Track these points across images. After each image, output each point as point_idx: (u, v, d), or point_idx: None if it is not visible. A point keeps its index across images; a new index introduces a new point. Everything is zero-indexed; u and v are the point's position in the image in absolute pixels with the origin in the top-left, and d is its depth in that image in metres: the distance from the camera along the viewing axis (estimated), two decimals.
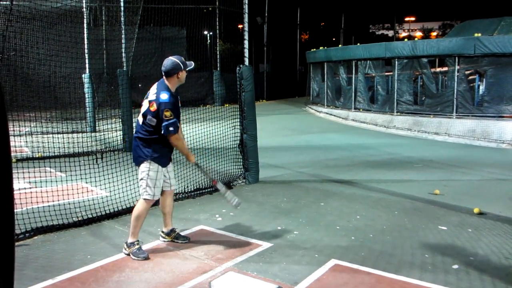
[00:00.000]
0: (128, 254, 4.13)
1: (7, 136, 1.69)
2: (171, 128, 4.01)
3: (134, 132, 4.40)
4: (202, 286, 3.58)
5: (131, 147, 5.41)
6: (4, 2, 9.20)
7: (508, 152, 10.59)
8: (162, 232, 4.53)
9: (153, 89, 4.18)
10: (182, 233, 4.64)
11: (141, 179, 4.17)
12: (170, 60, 4.16)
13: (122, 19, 13.78)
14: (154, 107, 4.05)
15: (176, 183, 4.53)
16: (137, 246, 4.13)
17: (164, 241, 4.50)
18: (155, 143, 4.13)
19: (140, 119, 4.20)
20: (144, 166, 4.14)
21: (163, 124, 4.01)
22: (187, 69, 4.21)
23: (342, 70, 17.30)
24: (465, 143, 11.78)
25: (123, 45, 13.85)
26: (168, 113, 3.99)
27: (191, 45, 19.02)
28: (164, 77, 4.19)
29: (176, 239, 4.49)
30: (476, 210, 5.59)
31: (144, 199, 4.16)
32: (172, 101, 4.07)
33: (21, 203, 5.11)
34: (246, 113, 6.91)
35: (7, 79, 10.27)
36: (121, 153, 6.36)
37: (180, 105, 4.28)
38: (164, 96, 4.04)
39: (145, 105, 4.17)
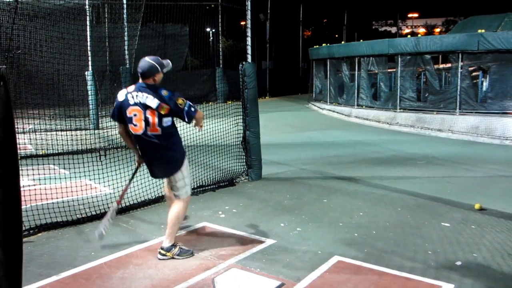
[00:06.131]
0: (171, 258, 4.00)
1: (14, 136, 1.69)
2: (192, 109, 3.89)
3: (138, 144, 4.02)
4: (206, 283, 3.59)
5: None
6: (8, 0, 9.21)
7: (511, 149, 10.55)
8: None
9: (140, 94, 3.83)
10: (185, 231, 4.63)
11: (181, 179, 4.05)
12: (146, 62, 3.86)
13: (125, 16, 13.80)
14: (165, 109, 3.80)
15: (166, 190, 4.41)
16: (178, 247, 4.07)
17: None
18: (177, 141, 4.03)
19: (142, 127, 3.85)
20: (182, 167, 4.03)
21: (184, 111, 3.84)
22: (164, 71, 3.94)
23: (345, 67, 17.25)
24: (468, 139, 11.74)
25: (126, 43, 13.87)
26: (180, 100, 3.85)
27: (193, 42, 19.00)
28: (140, 79, 3.89)
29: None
30: (477, 206, 5.58)
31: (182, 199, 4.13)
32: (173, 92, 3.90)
33: (25, 200, 5.13)
34: (248, 110, 6.91)
35: (11, 77, 10.29)
36: (124, 150, 6.38)
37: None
38: (165, 92, 3.83)
39: (140, 112, 3.81)
